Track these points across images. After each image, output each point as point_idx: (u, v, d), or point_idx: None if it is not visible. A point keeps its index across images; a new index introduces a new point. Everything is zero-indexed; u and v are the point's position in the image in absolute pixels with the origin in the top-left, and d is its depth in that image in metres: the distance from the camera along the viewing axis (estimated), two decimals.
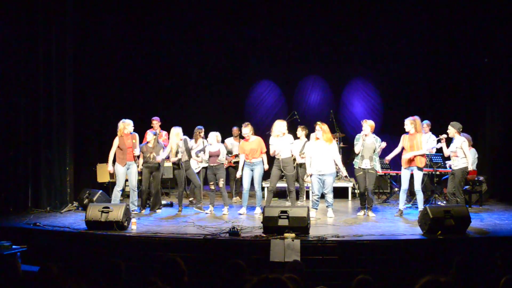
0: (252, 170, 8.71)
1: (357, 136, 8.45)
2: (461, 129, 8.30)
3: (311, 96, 13.24)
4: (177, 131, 8.84)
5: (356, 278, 3.64)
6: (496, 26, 10.31)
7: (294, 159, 9.52)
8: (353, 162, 8.50)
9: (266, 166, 8.77)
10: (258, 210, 8.68)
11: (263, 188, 10.78)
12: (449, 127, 8.32)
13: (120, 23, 11.47)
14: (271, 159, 8.92)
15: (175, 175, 9.19)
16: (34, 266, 5.04)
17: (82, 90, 10.32)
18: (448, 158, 8.94)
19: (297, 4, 12.44)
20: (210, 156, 8.94)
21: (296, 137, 9.66)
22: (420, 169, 8.21)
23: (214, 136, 9.02)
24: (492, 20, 10.37)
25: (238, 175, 8.92)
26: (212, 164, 8.90)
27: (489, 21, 10.45)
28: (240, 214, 8.62)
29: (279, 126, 8.61)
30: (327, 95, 13.17)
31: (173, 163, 8.93)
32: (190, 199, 9.81)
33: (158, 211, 8.94)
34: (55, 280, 3.62)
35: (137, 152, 8.83)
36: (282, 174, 8.77)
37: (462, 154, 8.15)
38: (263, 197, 9.33)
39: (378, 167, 8.41)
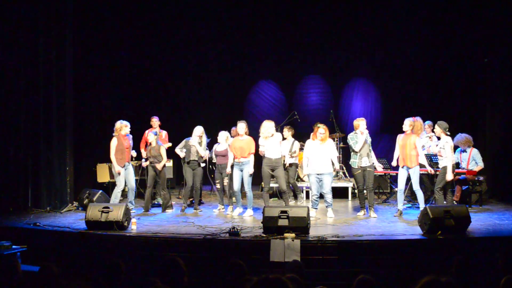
0: (241, 170, 8.59)
1: (351, 136, 8.46)
2: (447, 129, 8.33)
3: (311, 96, 13.24)
4: (196, 129, 8.99)
5: (356, 278, 3.64)
6: (496, 26, 10.31)
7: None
8: (350, 162, 8.51)
9: (252, 170, 8.57)
10: (249, 212, 8.62)
11: (262, 188, 10.82)
12: (436, 126, 8.36)
13: (120, 23, 11.48)
14: (260, 160, 8.84)
15: (183, 173, 9.18)
16: (34, 266, 5.04)
17: (82, 90, 10.32)
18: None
19: (297, 4, 12.43)
20: (217, 156, 8.98)
21: (283, 138, 9.68)
22: (414, 168, 8.20)
23: (224, 135, 9.00)
24: (492, 20, 10.37)
25: (228, 171, 8.77)
26: (219, 163, 8.94)
27: (489, 21, 10.45)
28: (236, 215, 8.58)
29: (267, 127, 8.51)
30: (327, 95, 13.18)
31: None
32: (191, 199, 9.82)
33: (168, 210, 8.98)
34: (55, 280, 3.62)
35: (134, 153, 8.95)
36: (273, 174, 8.66)
37: (445, 154, 8.18)
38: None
39: (376, 164, 8.45)
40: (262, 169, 8.57)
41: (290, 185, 9.89)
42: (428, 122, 9.72)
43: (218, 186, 9.03)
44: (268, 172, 8.55)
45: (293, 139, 9.78)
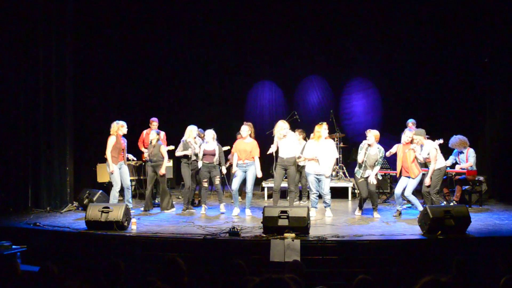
0: (245, 172, 8.60)
1: (360, 145, 8.35)
2: (425, 133, 8.32)
3: (311, 96, 13.24)
4: (191, 129, 8.92)
5: (356, 278, 3.64)
6: (496, 26, 10.31)
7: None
8: (355, 171, 8.45)
9: (260, 174, 8.62)
10: (248, 212, 8.62)
11: (263, 188, 10.84)
12: (414, 136, 8.19)
13: (120, 23, 11.47)
14: (268, 160, 8.84)
15: (181, 173, 9.17)
16: (34, 266, 5.04)
17: (82, 90, 10.32)
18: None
19: (297, 4, 12.43)
20: (204, 154, 8.81)
21: None
22: (413, 178, 8.19)
23: (211, 134, 8.91)
24: (492, 20, 10.37)
25: (233, 170, 8.81)
26: (206, 162, 8.81)
27: (489, 21, 10.44)
28: (234, 215, 8.55)
29: (279, 128, 8.51)
30: (327, 95, 13.18)
31: (180, 158, 8.99)
32: (199, 199, 9.84)
33: (170, 210, 8.98)
34: (55, 280, 3.62)
35: (131, 156, 8.96)
36: (286, 174, 8.67)
37: (435, 157, 8.17)
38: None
39: (371, 177, 8.23)
40: (275, 169, 8.58)
41: (300, 185, 9.92)
42: (411, 120, 9.72)
43: (205, 185, 8.90)
44: (281, 171, 8.52)
45: (305, 142, 9.50)
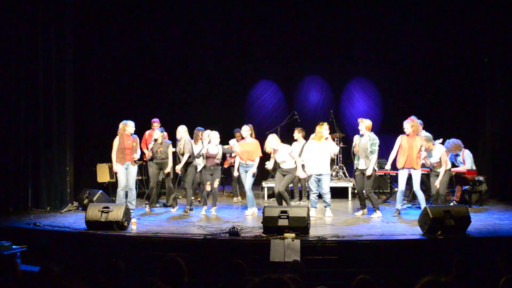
0: (246, 172, 8.73)
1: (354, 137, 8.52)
2: (432, 138, 8.33)
3: (311, 96, 13.24)
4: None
5: (356, 278, 3.64)
6: (496, 26, 10.31)
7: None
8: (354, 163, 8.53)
9: (255, 170, 8.62)
10: (249, 211, 8.65)
11: (263, 188, 10.83)
12: (424, 142, 8.16)
13: (120, 24, 11.47)
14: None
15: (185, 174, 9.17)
16: (34, 266, 5.04)
17: (82, 90, 10.31)
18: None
19: (297, 4, 12.43)
20: (208, 157, 8.68)
21: (293, 140, 9.66)
22: (416, 169, 8.20)
23: (218, 137, 8.80)
24: (492, 20, 10.37)
25: (235, 174, 8.99)
26: (209, 165, 8.73)
27: (489, 21, 10.44)
28: (247, 215, 8.58)
29: (269, 143, 8.36)
30: (327, 95, 13.18)
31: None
32: (198, 199, 9.84)
33: (173, 210, 9.02)
34: (55, 280, 3.62)
35: (137, 156, 8.90)
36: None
37: (446, 160, 8.19)
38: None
39: (368, 169, 8.22)
40: (276, 173, 8.55)
41: (300, 185, 9.96)
42: (418, 121, 9.71)
43: (208, 188, 8.74)
44: (280, 176, 8.45)
45: (304, 140, 9.50)
